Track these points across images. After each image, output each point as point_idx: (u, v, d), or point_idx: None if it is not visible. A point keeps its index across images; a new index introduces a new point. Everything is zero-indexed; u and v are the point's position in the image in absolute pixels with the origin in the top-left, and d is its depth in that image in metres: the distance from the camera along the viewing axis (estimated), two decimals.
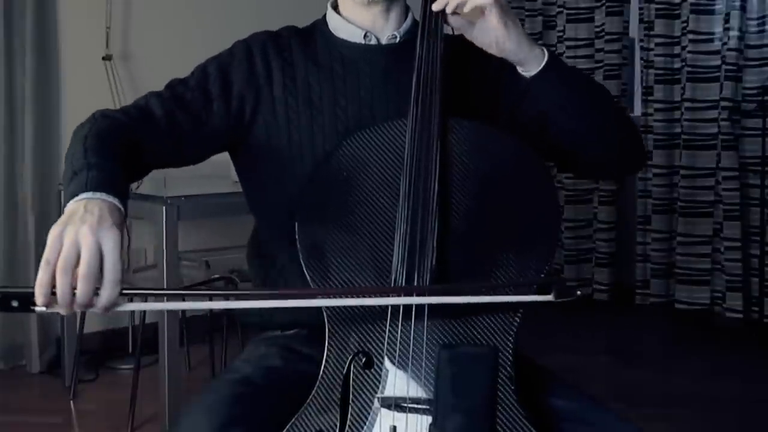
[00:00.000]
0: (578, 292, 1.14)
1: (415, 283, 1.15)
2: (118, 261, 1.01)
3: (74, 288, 0.99)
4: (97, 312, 1.03)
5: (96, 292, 1.00)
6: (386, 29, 1.42)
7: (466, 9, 1.26)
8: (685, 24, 4.29)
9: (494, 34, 1.26)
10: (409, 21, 1.43)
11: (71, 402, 3.23)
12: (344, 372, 1.14)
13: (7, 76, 3.50)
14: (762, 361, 3.74)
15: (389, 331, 1.14)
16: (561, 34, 4.82)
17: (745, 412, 3.15)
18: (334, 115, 1.36)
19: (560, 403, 1.24)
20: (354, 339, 1.15)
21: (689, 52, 4.26)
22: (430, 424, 1.09)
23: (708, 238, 4.27)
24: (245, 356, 1.35)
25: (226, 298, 1.31)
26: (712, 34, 4.23)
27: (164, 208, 2.67)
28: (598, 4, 4.64)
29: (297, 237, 1.20)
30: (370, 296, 1.16)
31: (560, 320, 4.04)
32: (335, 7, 1.44)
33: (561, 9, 4.80)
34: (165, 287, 2.68)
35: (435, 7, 1.28)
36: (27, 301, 1.00)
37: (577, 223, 4.76)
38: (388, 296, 1.16)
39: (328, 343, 1.16)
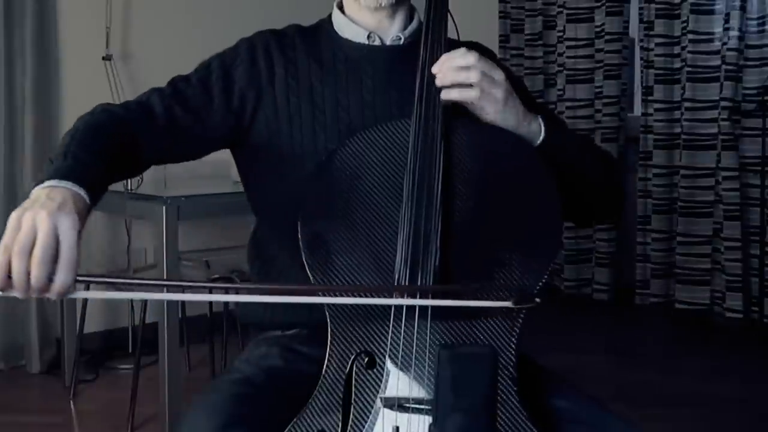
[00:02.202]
0: (537, 300, 1.14)
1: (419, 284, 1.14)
2: (74, 246, 1.01)
3: (30, 272, 1.00)
4: (53, 297, 1.03)
5: (51, 277, 1.00)
6: (391, 30, 1.42)
7: (462, 98, 1.26)
8: (685, 24, 4.29)
9: (488, 116, 1.27)
10: (414, 23, 1.44)
11: (71, 402, 3.23)
12: (346, 372, 1.14)
13: (7, 76, 3.50)
14: (762, 361, 3.74)
15: (392, 331, 1.14)
16: (561, 34, 4.82)
17: (745, 412, 3.15)
18: (336, 114, 1.36)
19: (561, 404, 1.24)
20: (356, 339, 1.15)
21: (689, 52, 4.26)
22: (431, 424, 1.09)
23: (708, 238, 4.27)
24: (246, 356, 1.35)
25: (180, 290, 1.28)
26: (712, 34, 4.23)
27: (164, 208, 2.67)
28: (598, 4, 4.64)
29: (299, 236, 1.20)
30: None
31: (560, 320, 4.04)
32: (341, 7, 1.45)
33: (561, 9, 4.80)
34: (165, 288, 2.68)
35: (439, 83, 1.26)
36: None
37: None
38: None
39: (331, 342, 1.16)
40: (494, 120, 1.27)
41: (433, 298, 1.14)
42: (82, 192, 1.08)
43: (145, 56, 3.89)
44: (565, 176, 1.30)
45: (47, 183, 1.08)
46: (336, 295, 1.17)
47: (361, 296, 1.17)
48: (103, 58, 3.73)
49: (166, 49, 3.91)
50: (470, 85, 1.25)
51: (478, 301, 1.14)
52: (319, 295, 1.18)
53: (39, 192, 1.07)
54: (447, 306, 1.13)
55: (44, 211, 1.01)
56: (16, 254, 0.99)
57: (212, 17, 4.08)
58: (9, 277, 1.00)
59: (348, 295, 1.17)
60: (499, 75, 1.26)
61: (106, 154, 1.18)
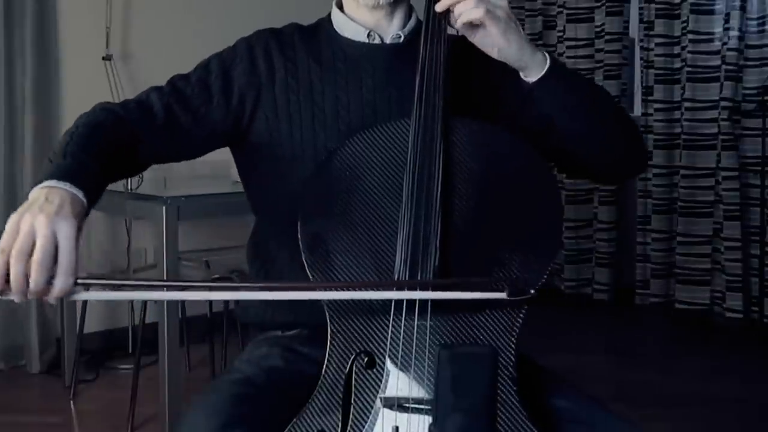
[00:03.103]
0: (532, 291, 1.14)
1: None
2: (73, 250, 1.01)
3: (28, 276, 1.00)
4: (51, 301, 1.03)
5: (50, 281, 1.01)
6: (390, 29, 1.42)
7: (458, 25, 1.26)
8: (685, 24, 4.29)
9: (494, 41, 1.26)
10: (413, 21, 1.43)
11: (71, 402, 3.23)
12: (346, 372, 1.14)
13: (7, 76, 3.50)
14: (762, 361, 3.74)
15: (392, 331, 1.14)
16: (561, 34, 4.82)
17: (745, 412, 3.15)
18: (336, 113, 1.36)
19: (561, 404, 1.24)
20: (356, 339, 1.15)
21: (689, 52, 4.26)
22: (431, 424, 1.09)
23: (708, 238, 4.27)
24: (246, 356, 1.35)
25: (181, 288, 1.28)
26: (712, 34, 4.24)
27: (164, 208, 2.67)
28: (598, 4, 4.64)
29: (299, 235, 1.19)
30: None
31: (560, 320, 4.05)
32: (340, 6, 1.45)
33: (561, 9, 4.80)
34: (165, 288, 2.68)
35: (438, 8, 1.28)
36: None
37: (577, 223, 4.76)
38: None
39: (330, 342, 1.16)
40: (498, 44, 1.25)
41: (429, 290, 1.13)
42: (80, 194, 1.08)
43: (145, 56, 3.89)
44: (579, 113, 1.30)
45: (45, 183, 1.08)
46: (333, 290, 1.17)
47: (357, 290, 1.16)
48: (103, 58, 3.73)
49: (166, 49, 3.91)
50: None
51: (473, 293, 1.13)
52: (311, 292, 1.18)
53: (37, 193, 1.07)
54: (444, 301, 1.13)
55: (43, 215, 1.01)
56: (14, 258, 0.99)
57: (212, 17, 4.08)
58: (6, 280, 1.00)
59: (344, 290, 1.16)
60: (501, 0, 1.26)
61: (104, 153, 1.19)
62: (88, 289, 1.06)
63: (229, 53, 1.41)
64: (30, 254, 1.00)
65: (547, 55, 1.30)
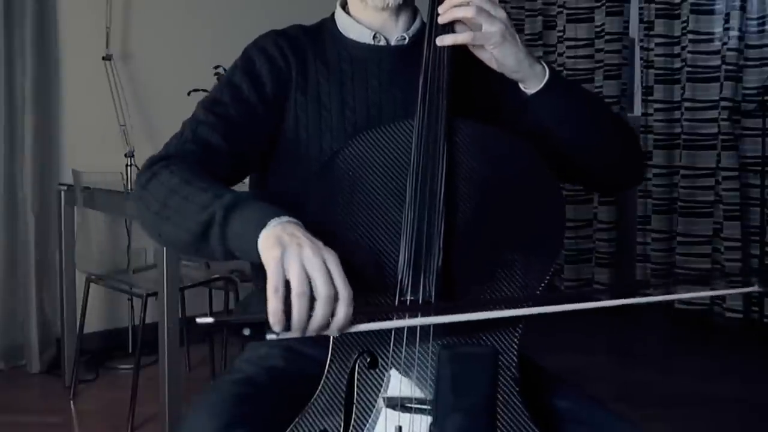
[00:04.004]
0: None
1: (422, 285, 1.14)
2: (345, 277, 1.01)
3: (310, 311, 0.99)
4: (334, 334, 1.03)
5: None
6: (395, 31, 1.42)
7: (456, 42, 1.27)
8: (685, 24, 4.29)
9: (493, 52, 1.27)
10: (417, 23, 1.44)
11: (71, 402, 3.23)
12: (349, 372, 1.14)
13: (7, 76, 3.49)
14: (762, 361, 3.74)
15: (395, 331, 1.14)
16: (561, 34, 4.82)
17: (745, 412, 3.15)
18: (342, 114, 1.36)
19: (562, 404, 1.24)
20: (359, 339, 1.15)
21: (689, 52, 4.26)
22: (431, 424, 1.09)
23: (708, 238, 4.27)
24: (247, 356, 1.35)
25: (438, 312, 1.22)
26: (712, 34, 4.24)
27: None
28: (598, 4, 4.64)
29: None
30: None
31: (560, 320, 4.04)
32: (344, 7, 1.44)
33: (561, 9, 4.80)
34: (165, 288, 2.69)
35: (441, 21, 1.28)
36: (260, 328, 1.00)
37: (577, 223, 4.76)
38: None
39: (333, 343, 1.16)
40: (494, 57, 1.27)
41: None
42: (297, 221, 1.07)
43: (145, 56, 3.89)
44: (577, 125, 1.31)
45: (273, 222, 1.05)
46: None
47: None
48: (103, 58, 3.73)
49: (166, 49, 3.91)
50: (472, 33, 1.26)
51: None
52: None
53: (273, 233, 1.04)
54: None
55: (307, 249, 1.01)
56: (297, 295, 0.98)
57: (212, 17, 4.08)
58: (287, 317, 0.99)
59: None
60: (500, 12, 1.26)
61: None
62: (363, 318, 1.05)
63: (247, 62, 1.39)
64: (309, 290, 0.99)
65: (546, 66, 1.31)
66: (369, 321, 1.07)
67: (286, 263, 1.00)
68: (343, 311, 1.00)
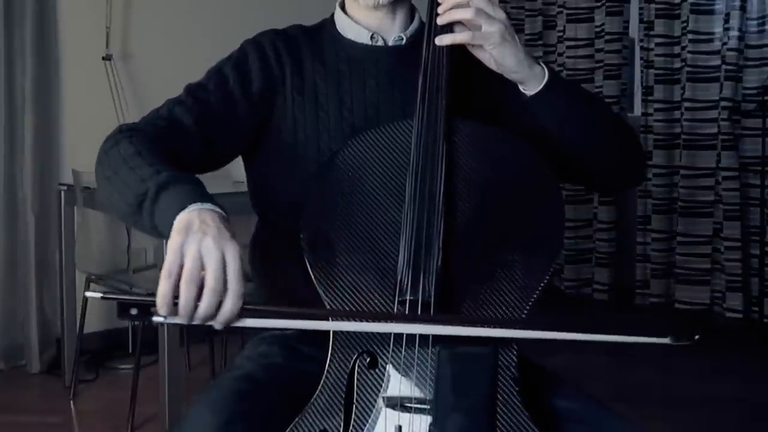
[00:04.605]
0: (696, 337, 1.10)
1: (421, 285, 1.14)
2: (241, 272, 1.01)
3: (197, 300, 0.99)
4: (217, 326, 1.03)
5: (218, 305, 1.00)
6: (393, 30, 1.42)
7: (455, 41, 1.27)
8: (685, 24, 4.29)
9: (492, 53, 1.27)
10: (415, 23, 1.44)
11: (71, 402, 3.23)
12: (348, 371, 1.14)
13: (7, 76, 3.50)
14: (762, 361, 3.74)
15: (394, 336, 1.14)
16: (561, 34, 4.82)
17: (745, 412, 3.15)
18: (339, 115, 1.36)
19: (562, 404, 1.24)
20: (359, 339, 1.15)
21: (689, 52, 4.26)
22: (430, 424, 1.09)
23: (708, 238, 4.27)
24: (247, 353, 1.35)
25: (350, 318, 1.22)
26: (712, 34, 4.23)
27: None
28: (598, 4, 4.64)
29: (301, 236, 1.19)
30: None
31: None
32: (343, 7, 1.45)
33: (561, 9, 4.80)
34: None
35: (440, 22, 1.29)
36: (147, 309, 1.00)
37: (577, 223, 4.76)
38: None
39: (333, 342, 1.16)
40: (493, 58, 1.27)
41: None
42: (221, 210, 1.07)
43: (145, 56, 3.89)
44: (576, 126, 1.31)
45: (192, 207, 1.05)
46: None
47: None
48: (103, 58, 3.73)
49: (166, 49, 3.91)
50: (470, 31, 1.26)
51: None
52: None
53: (187, 216, 1.04)
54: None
55: (208, 238, 1.01)
56: (185, 283, 0.99)
57: (212, 17, 4.08)
58: (174, 304, 0.99)
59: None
60: (499, 13, 1.26)
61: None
62: (252, 315, 1.05)
63: (241, 56, 1.39)
64: (199, 278, 0.99)
65: (545, 68, 1.31)
66: (260, 317, 1.07)
67: (185, 249, 1.00)
68: (228, 305, 1.00)
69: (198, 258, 0.99)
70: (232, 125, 1.34)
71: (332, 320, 1.15)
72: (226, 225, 1.04)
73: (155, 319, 1.01)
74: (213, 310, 1.00)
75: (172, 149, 1.23)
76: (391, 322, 1.14)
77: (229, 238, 1.02)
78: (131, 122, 1.29)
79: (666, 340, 1.11)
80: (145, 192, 1.11)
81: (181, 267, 1.00)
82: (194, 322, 1.01)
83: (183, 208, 1.06)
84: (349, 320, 1.14)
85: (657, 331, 1.12)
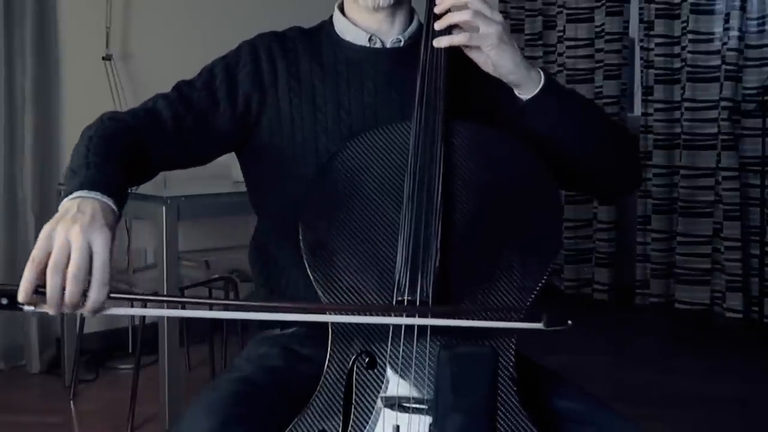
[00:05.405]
0: (569, 322, 1.12)
1: (419, 285, 1.14)
2: (108, 263, 1.01)
3: (64, 288, 0.99)
4: (86, 314, 1.03)
5: (85, 293, 1.00)
6: (391, 33, 1.42)
7: (453, 43, 1.27)
8: (685, 24, 4.29)
9: (489, 57, 1.27)
10: (414, 25, 1.44)
11: (71, 402, 3.23)
12: (347, 372, 1.14)
13: (7, 76, 3.50)
14: (762, 361, 3.74)
15: (393, 331, 1.14)
16: (561, 34, 4.82)
17: (745, 412, 3.15)
18: (337, 116, 1.36)
19: (562, 404, 1.24)
20: (357, 339, 1.15)
21: (689, 52, 4.26)
22: (430, 424, 1.09)
23: (708, 238, 4.27)
24: (246, 355, 1.35)
25: (225, 308, 1.28)
26: (712, 34, 4.23)
27: (164, 208, 2.67)
28: (598, 4, 4.64)
29: (300, 237, 1.20)
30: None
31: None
32: (342, 9, 1.45)
33: (561, 9, 4.80)
34: (165, 287, 2.69)
35: (438, 26, 1.29)
36: (15, 299, 1.00)
37: (577, 223, 4.77)
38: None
39: (331, 343, 1.16)
40: (490, 60, 1.27)
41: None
42: (110, 202, 1.08)
43: (145, 56, 3.89)
44: (572, 131, 1.31)
45: (75, 194, 1.07)
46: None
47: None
48: (103, 58, 3.73)
49: (166, 49, 3.91)
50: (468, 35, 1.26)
51: (512, 323, 1.14)
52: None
53: (68, 204, 1.06)
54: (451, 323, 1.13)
55: (76, 226, 1.01)
56: (51, 270, 0.99)
57: (212, 17, 4.08)
58: (41, 292, 0.99)
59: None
60: (496, 16, 1.26)
61: (124, 162, 1.18)
62: (123, 303, 1.05)
63: (233, 57, 1.41)
64: (65, 266, 0.99)
65: (542, 73, 1.31)
66: (128, 306, 1.08)
67: (53, 237, 1.01)
68: (93, 293, 1.00)
69: (65, 246, 1.00)
70: (211, 124, 1.35)
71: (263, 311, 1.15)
72: (105, 215, 1.05)
73: (25, 308, 1.00)
74: (76, 298, 1.00)
75: (142, 141, 1.25)
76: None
77: (100, 227, 1.02)
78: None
79: (539, 326, 1.11)
80: (70, 172, 1.14)
81: (50, 255, 1.00)
82: (63, 311, 1.01)
83: (70, 193, 1.08)
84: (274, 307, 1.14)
85: (530, 316, 1.13)
